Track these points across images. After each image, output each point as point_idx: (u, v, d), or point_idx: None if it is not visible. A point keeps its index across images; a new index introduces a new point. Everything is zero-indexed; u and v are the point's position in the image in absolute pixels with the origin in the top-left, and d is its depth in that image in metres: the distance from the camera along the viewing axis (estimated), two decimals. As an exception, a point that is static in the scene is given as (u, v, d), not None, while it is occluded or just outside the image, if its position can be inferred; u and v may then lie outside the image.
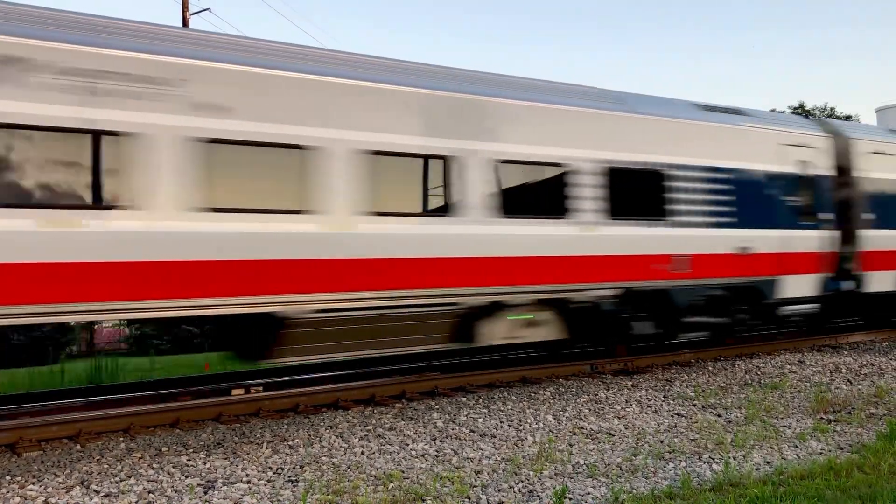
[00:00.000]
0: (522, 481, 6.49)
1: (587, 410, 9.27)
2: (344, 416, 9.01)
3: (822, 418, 8.80)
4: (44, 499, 6.10)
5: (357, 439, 7.94)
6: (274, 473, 6.77)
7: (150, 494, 6.21)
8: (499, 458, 7.22)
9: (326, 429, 8.41)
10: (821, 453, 7.35)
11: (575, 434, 8.15)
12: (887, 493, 5.75)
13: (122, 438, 8.11)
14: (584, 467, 6.90)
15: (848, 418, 8.73)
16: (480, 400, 9.94)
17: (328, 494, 6.11)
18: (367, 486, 6.36)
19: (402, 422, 8.72)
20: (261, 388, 10.39)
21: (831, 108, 45.62)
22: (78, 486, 6.39)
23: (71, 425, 8.20)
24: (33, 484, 6.47)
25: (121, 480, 6.56)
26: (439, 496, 6.08)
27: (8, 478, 6.67)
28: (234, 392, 10.15)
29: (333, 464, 7.06)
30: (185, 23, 23.48)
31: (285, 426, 8.60)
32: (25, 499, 6.12)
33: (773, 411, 9.13)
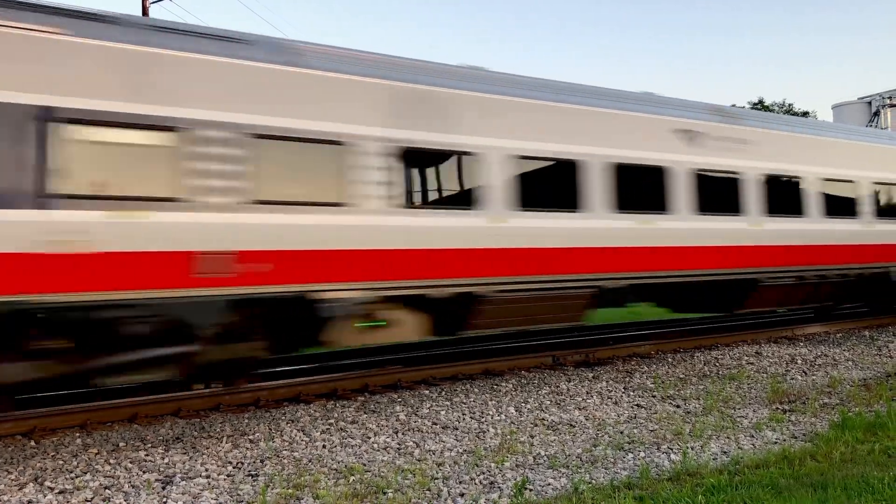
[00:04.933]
0: (484, 473, 6.51)
1: (549, 402, 9.33)
2: (305, 410, 8.96)
3: (777, 408, 8.97)
4: (-4, 496, 5.97)
5: (319, 433, 7.90)
6: (234, 468, 6.71)
7: (107, 490, 6.11)
8: (461, 451, 7.23)
9: (287, 423, 8.35)
10: (776, 443, 7.50)
11: (536, 426, 8.20)
12: (838, 480, 5.88)
13: (78, 434, 7.96)
14: (545, 458, 6.95)
15: (802, 408, 8.92)
16: (443, 392, 9.95)
17: (288, 488, 6.07)
18: (329, 479, 6.34)
19: (365, 415, 8.70)
20: (221, 383, 10.26)
21: (789, 105, 46.50)
22: (31, 483, 6.26)
23: (25, 422, 8.03)
24: (-15, 481, 6.33)
25: (76, 476, 6.45)
26: (401, 489, 6.08)
27: (-42, 475, 6.52)
28: (194, 386, 10.01)
29: (294, 458, 7.01)
30: (144, 11, 23.06)
31: (246, 420, 8.53)
32: (-24, 496, 5.98)
33: (731, 402, 9.29)
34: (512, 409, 8.93)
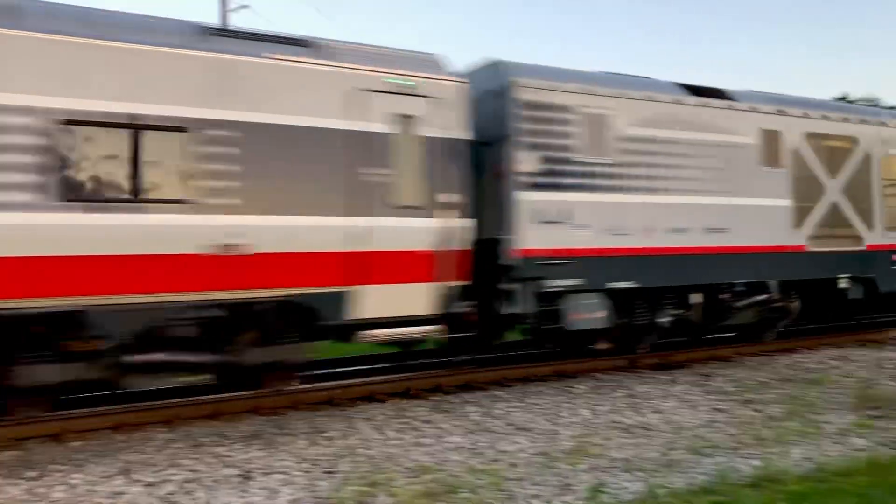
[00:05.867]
0: (558, 475, 6.46)
1: (623, 405, 9.19)
2: (379, 409, 9.06)
3: (865, 415, 8.62)
4: (87, 487, 6.24)
5: (392, 431, 7.97)
6: (311, 464, 6.83)
7: (190, 484, 6.31)
8: (534, 452, 7.19)
9: (362, 421, 8.46)
10: (863, 450, 7.20)
11: (611, 428, 8.09)
12: (933, 490, 5.62)
13: (162, 430, 8.24)
14: (621, 462, 6.85)
15: (892, 415, 8.54)
16: (516, 393, 9.92)
17: (364, 485, 6.15)
18: (403, 477, 6.39)
19: (438, 415, 8.74)
20: (298, 381, 10.47)
21: (876, 99, 44.85)
22: (120, 475, 6.52)
23: (112, 416, 8.36)
24: (77, 472, 6.62)
25: (161, 470, 6.68)
26: (474, 489, 6.08)
27: (52, 466, 6.83)
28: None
29: (369, 455, 7.10)
30: (224, 20, 23.71)
31: (321, 418, 8.67)
32: (70, 486, 6.26)
33: (815, 407, 8.97)
34: (586, 412, 8.83)
